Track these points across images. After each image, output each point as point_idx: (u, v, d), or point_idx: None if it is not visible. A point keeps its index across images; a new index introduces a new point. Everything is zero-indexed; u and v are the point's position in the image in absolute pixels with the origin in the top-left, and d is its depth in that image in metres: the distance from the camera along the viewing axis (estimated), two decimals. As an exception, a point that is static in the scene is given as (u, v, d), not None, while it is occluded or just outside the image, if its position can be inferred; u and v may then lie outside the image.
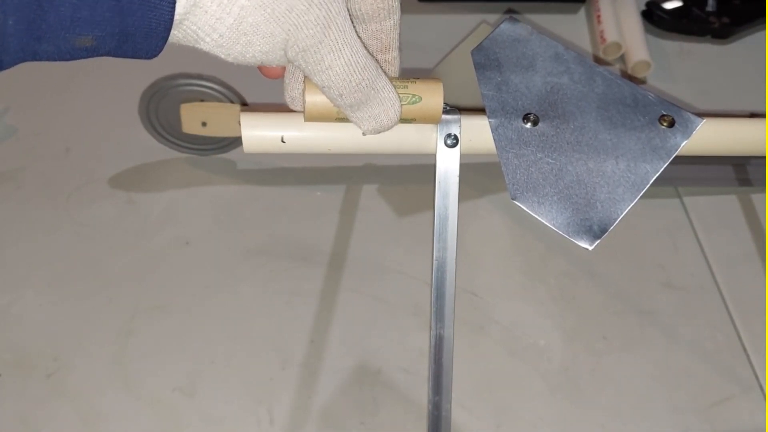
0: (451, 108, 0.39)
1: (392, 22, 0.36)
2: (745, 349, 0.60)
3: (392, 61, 0.38)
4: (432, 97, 0.37)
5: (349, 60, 0.33)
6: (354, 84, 0.34)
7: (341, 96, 0.34)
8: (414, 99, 0.37)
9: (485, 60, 0.40)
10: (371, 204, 0.70)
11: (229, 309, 0.61)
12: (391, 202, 0.70)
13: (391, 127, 0.37)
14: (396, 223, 0.69)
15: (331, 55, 0.33)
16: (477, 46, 0.40)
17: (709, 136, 0.42)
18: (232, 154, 0.73)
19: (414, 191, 0.71)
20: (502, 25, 0.41)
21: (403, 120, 0.37)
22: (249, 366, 0.57)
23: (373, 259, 0.65)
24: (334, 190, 0.71)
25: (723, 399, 0.57)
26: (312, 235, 0.67)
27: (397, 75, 0.38)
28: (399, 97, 0.36)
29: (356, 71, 0.34)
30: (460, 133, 0.39)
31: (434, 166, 0.39)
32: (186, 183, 0.71)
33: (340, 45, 0.33)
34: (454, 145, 0.39)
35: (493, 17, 0.90)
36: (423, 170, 0.73)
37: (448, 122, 0.39)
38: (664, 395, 0.57)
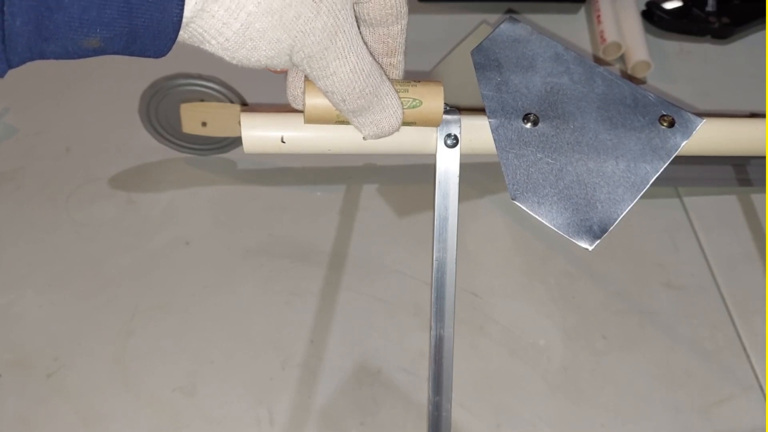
0: (451, 108, 0.39)
1: (400, 26, 0.36)
2: (745, 349, 0.60)
3: (397, 65, 0.38)
4: (432, 101, 0.37)
5: (354, 67, 0.33)
6: (358, 90, 0.34)
7: (344, 101, 0.34)
8: (414, 103, 0.37)
9: (485, 60, 0.40)
10: (371, 204, 0.70)
11: (229, 309, 0.61)
12: (391, 202, 0.70)
13: (392, 133, 0.37)
14: (396, 223, 0.68)
15: (337, 61, 0.32)
16: (477, 46, 0.40)
17: (709, 136, 0.42)
18: (232, 154, 0.73)
19: (414, 191, 0.71)
20: (502, 26, 0.41)
21: (404, 123, 0.37)
22: (249, 366, 0.57)
23: (373, 259, 0.65)
24: (334, 190, 0.71)
25: (723, 399, 0.57)
26: (312, 235, 0.67)
27: (400, 78, 0.38)
28: (401, 103, 0.36)
29: (361, 78, 0.33)
30: (460, 133, 0.39)
31: (434, 166, 0.39)
32: (186, 183, 0.71)
33: (346, 52, 0.32)
34: (454, 146, 0.39)
35: (493, 17, 0.90)
36: (423, 170, 0.73)
37: (448, 122, 0.39)
38: (664, 395, 0.57)
